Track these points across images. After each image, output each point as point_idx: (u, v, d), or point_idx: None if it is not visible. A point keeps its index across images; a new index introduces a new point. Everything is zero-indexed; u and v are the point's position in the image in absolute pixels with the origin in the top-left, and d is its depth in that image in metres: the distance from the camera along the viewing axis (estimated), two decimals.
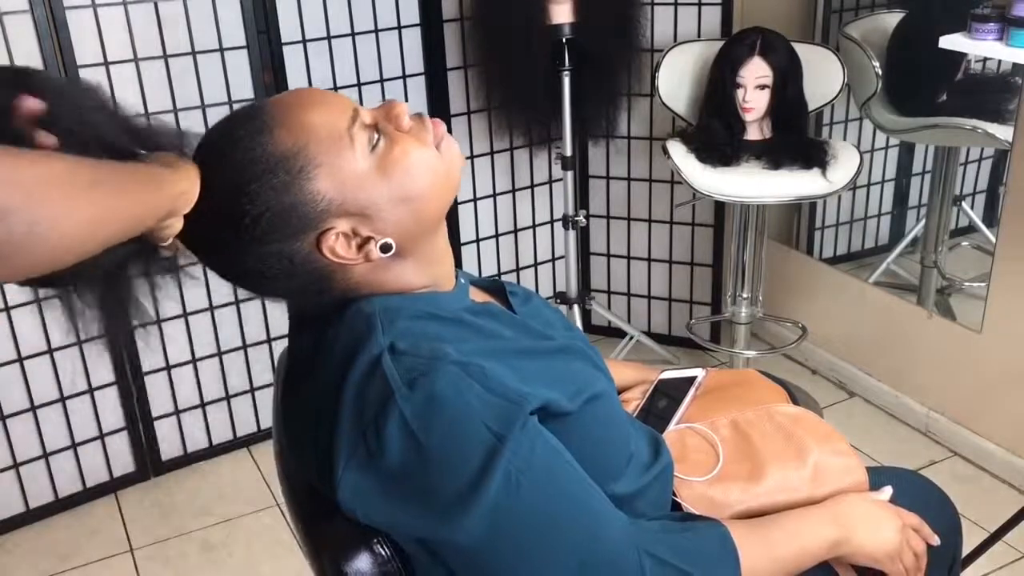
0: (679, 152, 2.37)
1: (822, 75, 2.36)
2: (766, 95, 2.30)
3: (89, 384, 2.37)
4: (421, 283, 1.01)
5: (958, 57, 2.35)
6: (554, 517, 0.93)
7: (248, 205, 0.90)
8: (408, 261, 0.99)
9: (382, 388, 0.90)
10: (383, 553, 0.98)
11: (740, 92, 2.30)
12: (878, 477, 1.22)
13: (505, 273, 2.99)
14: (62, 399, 2.34)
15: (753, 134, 2.37)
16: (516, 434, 0.90)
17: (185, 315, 2.44)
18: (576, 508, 0.94)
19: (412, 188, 0.95)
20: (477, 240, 2.90)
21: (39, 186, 0.70)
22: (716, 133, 2.37)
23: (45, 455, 2.35)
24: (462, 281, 1.08)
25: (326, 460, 0.93)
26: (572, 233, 2.73)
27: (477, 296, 1.10)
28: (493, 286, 1.16)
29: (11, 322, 2.22)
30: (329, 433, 0.93)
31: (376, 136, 0.95)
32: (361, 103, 2.68)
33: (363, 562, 0.97)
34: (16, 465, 2.32)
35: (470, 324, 1.01)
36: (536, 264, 3.05)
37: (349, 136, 0.93)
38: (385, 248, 0.96)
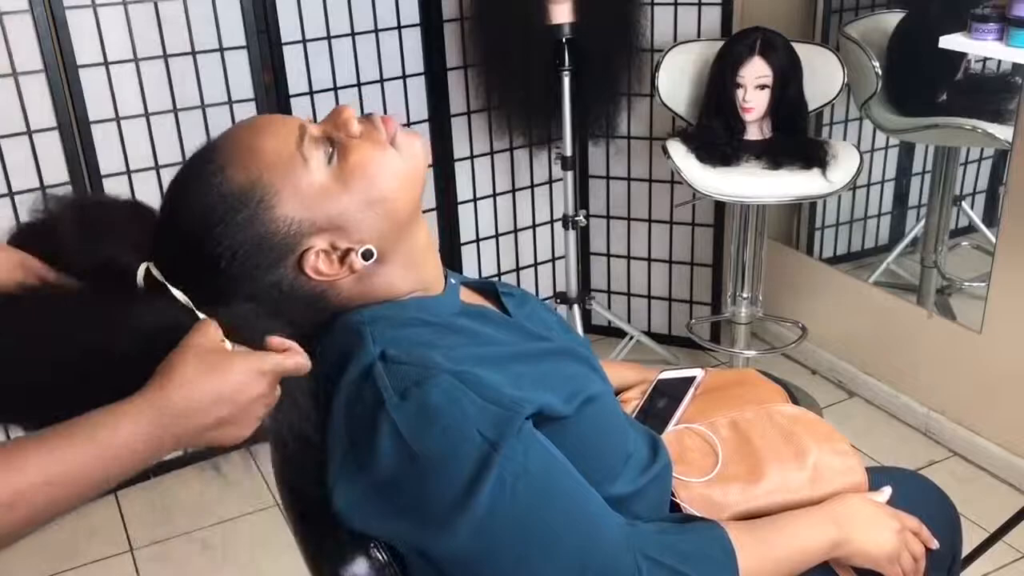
0: (679, 152, 2.37)
1: (822, 75, 2.36)
2: (766, 95, 2.30)
3: None
4: (409, 287, 1.01)
5: (958, 57, 2.35)
6: (550, 523, 0.92)
7: (219, 248, 0.90)
8: (392, 265, 0.99)
9: (373, 397, 0.90)
10: (380, 558, 0.97)
11: (740, 92, 2.30)
12: (878, 477, 1.21)
13: (505, 273, 2.99)
14: None
15: (753, 134, 2.37)
16: (511, 440, 0.90)
17: None
18: (572, 513, 0.94)
19: (376, 191, 0.94)
20: (477, 240, 2.90)
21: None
22: (716, 133, 2.37)
23: None
24: (452, 282, 1.07)
25: (320, 469, 0.93)
26: (572, 233, 2.73)
27: (469, 298, 1.10)
28: (485, 287, 1.16)
29: None
30: (321, 443, 0.93)
31: (330, 148, 0.94)
32: (361, 103, 2.70)
33: (360, 567, 0.97)
34: None
35: (462, 329, 1.00)
36: (536, 264, 3.04)
37: (300, 155, 0.92)
38: (367, 255, 0.95)
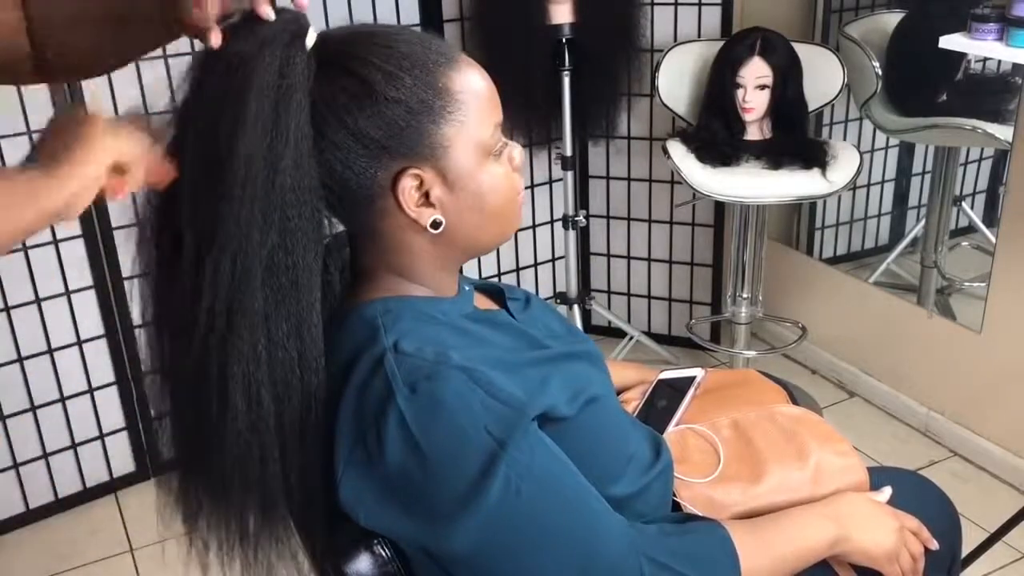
0: (679, 152, 2.37)
1: (822, 75, 2.36)
2: (766, 95, 2.30)
3: (89, 384, 2.36)
4: (430, 284, 1.02)
5: (958, 57, 2.35)
6: (553, 523, 0.92)
7: (392, 90, 0.92)
8: (432, 254, 1.00)
9: (383, 389, 0.90)
10: (384, 554, 0.98)
11: (740, 92, 2.30)
12: (878, 477, 1.21)
13: (505, 273, 2.99)
14: (62, 399, 2.33)
15: (753, 134, 2.37)
16: (517, 440, 0.90)
17: None
18: (575, 514, 0.94)
19: (490, 205, 0.98)
20: None
21: None
22: (716, 133, 2.37)
23: (45, 455, 2.35)
24: (466, 288, 1.08)
25: (326, 461, 0.93)
26: (572, 233, 2.73)
27: (478, 301, 1.10)
28: (491, 290, 1.16)
29: (11, 322, 2.22)
30: (329, 434, 0.93)
31: (502, 148, 0.99)
32: None
33: (363, 563, 0.97)
34: (16, 465, 2.32)
35: (471, 332, 1.01)
36: (536, 264, 3.04)
37: (494, 126, 0.97)
38: (435, 224, 0.96)
